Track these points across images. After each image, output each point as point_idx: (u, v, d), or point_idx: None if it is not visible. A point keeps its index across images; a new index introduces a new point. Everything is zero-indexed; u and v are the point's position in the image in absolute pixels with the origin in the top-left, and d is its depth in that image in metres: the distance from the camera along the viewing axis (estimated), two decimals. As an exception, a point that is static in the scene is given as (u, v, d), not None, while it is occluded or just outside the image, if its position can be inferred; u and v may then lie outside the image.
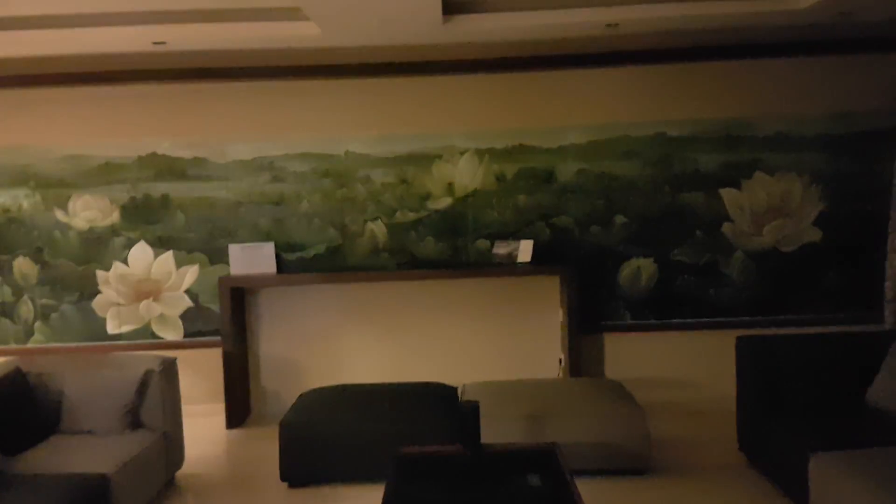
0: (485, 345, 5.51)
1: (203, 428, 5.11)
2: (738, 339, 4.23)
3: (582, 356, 5.33)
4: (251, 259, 5.32)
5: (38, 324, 5.43)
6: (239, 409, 5.29)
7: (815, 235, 5.42)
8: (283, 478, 4.14)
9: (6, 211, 5.38)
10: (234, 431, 5.16)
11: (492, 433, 3.91)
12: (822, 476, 3.21)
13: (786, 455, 3.58)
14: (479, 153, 5.39)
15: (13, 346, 5.41)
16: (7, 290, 5.42)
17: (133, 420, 3.99)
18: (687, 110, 5.38)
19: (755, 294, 5.45)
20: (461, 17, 4.47)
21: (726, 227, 5.43)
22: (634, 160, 5.40)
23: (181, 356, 4.57)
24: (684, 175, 5.41)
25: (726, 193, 5.42)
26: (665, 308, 5.47)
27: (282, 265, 5.42)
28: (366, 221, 5.44)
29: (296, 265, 5.44)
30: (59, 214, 5.40)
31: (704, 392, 5.35)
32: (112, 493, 3.39)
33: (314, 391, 4.64)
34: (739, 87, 5.38)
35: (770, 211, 5.42)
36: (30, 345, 5.43)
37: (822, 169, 5.39)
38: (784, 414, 3.80)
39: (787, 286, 5.45)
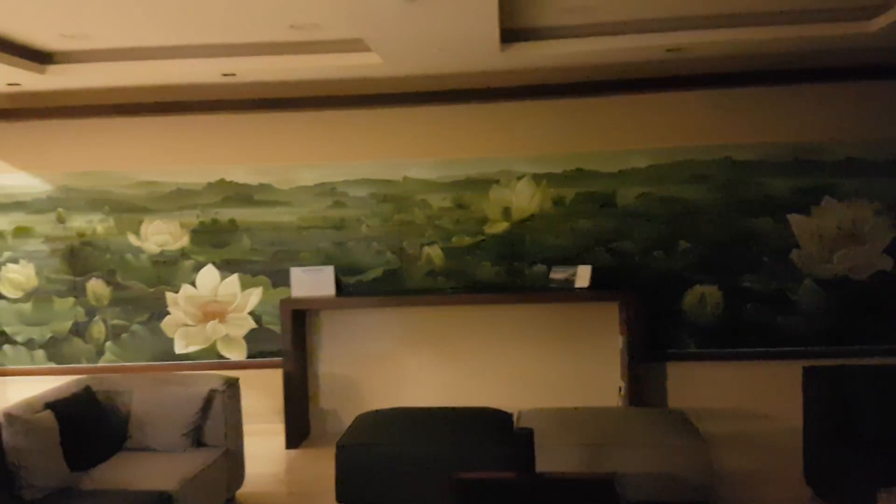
0: (541, 371, 5.46)
1: (263, 447, 5.20)
2: (806, 368, 4.09)
3: (643, 385, 5.23)
4: (312, 282, 5.43)
5: (108, 343, 5.66)
6: (298, 429, 5.37)
7: (887, 264, 5.21)
8: (339, 499, 4.17)
9: (82, 235, 5.65)
10: (294, 451, 5.24)
11: (548, 461, 3.85)
12: (896, 516, 3.06)
13: (853, 489, 3.42)
14: (537, 178, 5.40)
15: (85, 364, 5.64)
16: (80, 311, 5.67)
17: (196, 438, 4.10)
18: (754, 134, 5.28)
19: (824, 323, 5.26)
20: (519, 44, 4.51)
21: (794, 255, 5.27)
22: (699, 185, 5.31)
23: (244, 376, 4.69)
24: (751, 200, 5.28)
25: (794, 219, 5.27)
26: (731, 336, 5.33)
27: (341, 288, 5.51)
28: (423, 245, 5.49)
29: (355, 288, 5.52)
30: (132, 238, 5.63)
31: (771, 424, 5.17)
32: (174, 509, 3.48)
33: (371, 413, 4.67)
34: (808, 110, 5.25)
35: (840, 238, 5.24)
36: (101, 363, 5.65)
37: (894, 195, 5.19)
38: (852, 447, 3.64)
39: (857, 315, 5.24)
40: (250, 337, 5.60)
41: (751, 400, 5.29)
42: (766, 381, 5.27)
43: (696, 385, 5.35)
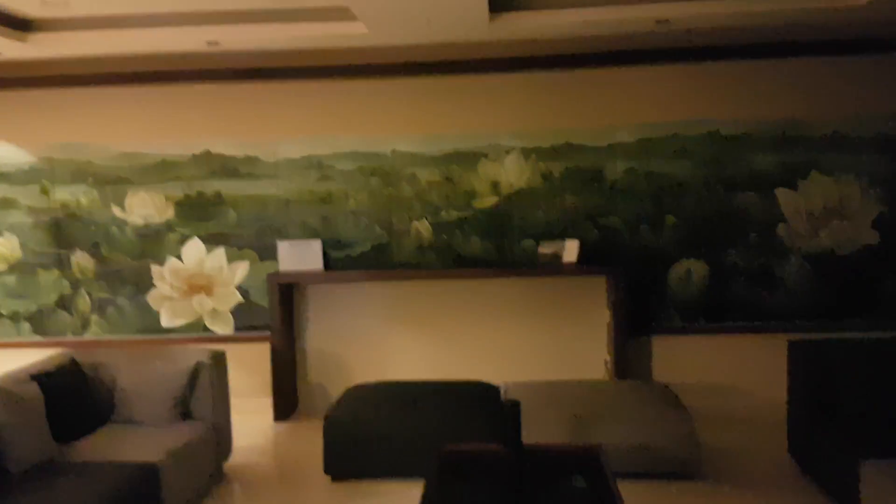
0: (529, 345, 5.48)
1: (251, 421, 5.21)
2: (790, 343, 4.12)
3: (629, 359, 5.26)
4: (299, 256, 5.40)
5: (94, 316, 5.61)
6: (286, 403, 5.38)
7: (873, 238, 5.24)
8: (327, 471, 4.19)
9: (65, 207, 5.58)
10: (282, 424, 5.25)
11: (534, 433, 3.88)
12: (874, 484, 3.10)
13: (837, 462, 3.47)
14: (526, 152, 5.37)
15: (70, 337, 5.60)
16: (65, 284, 5.62)
17: (183, 411, 4.10)
18: (741, 109, 5.26)
19: (810, 298, 5.30)
20: (507, 14, 4.46)
21: (781, 229, 5.29)
22: (686, 160, 5.30)
23: (231, 350, 4.68)
24: (738, 175, 5.28)
25: (781, 194, 5.27)
26: (716, 311, 5.36)
27: (329, 262, 5.49)
28: (411, 220, 5.47)
29: (342, 263, 5.50)
30: (116, 211, 5.57)
31: (755, 398, 5.21)
32: (161, 481, 3.48)
33: (358, 387, 4.69)
34: (795, 85, 5.23)
35: (827, 213, 5.26)
36: (86, 337, 5.62)
37: (881, 170, 5.21)
38: (836, 420, 3.68)
39: (843, 291, 5.28)
40: (237, 311, 5.57)
41: (736, 375, 5.33)
42: (751, 356, 5.31)
43: (682, 359, 5.38)
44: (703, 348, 5.37)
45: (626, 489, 3.05)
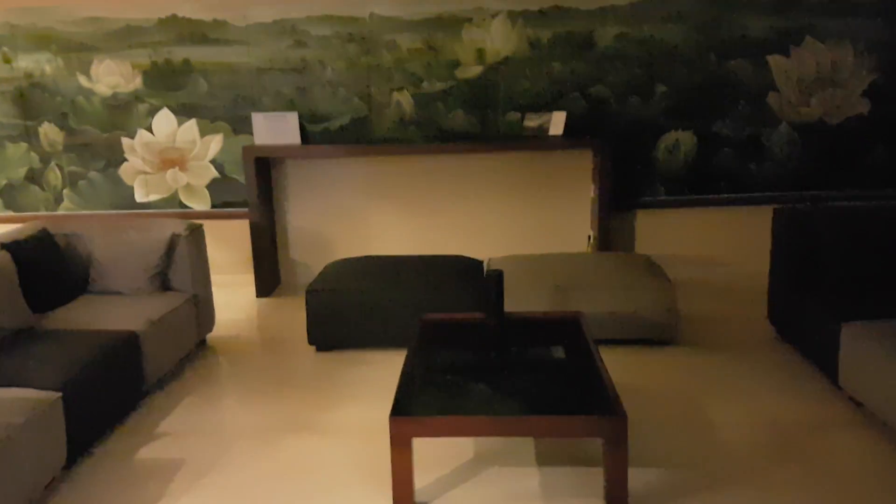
0: (513, 220, 5.42)
1: (233, 296, 5.19)
2: (775, 210, 4.07)
3: (613, 233, 5.22)
4: (275, 129, 5.21)
5: (66, 191, 5.46)
6: (268, 279, 5.34)
7: (864, 107, 5.12)
8: (311, 341, 4.20)
9: (30, 76, 5.30)
10: (264, 300, 5.23)
11: (516, 304, 3.89)
12: (854, 345, 3.14)
13: (817, 325, 3.50)
14: (513, 16, 5.10)
15: (43, 212, 5.47)
16: (35, 157, 5.42)
17: (162, 282, 4.04)
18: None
19: (797, 168, 5.23)
20: None
21: (772, 98, 5.14)
22: (679, 24, 5.06)
23: (210, 226, 4.59)
24: (731, 41, 5.07)
25: (774, 60, 5.09)
26: (702, 183, 5.29)
27: (306, 136, 5.31)
28: (392, 91, 5.25)
29: (321, 136, 5.32)
30: (83, 80, 5.30)
31: (737, 269, 5.23)
32: (142, 348, 3.46)
33: (341, 261, 4.64)
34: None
35: (819, 80, 5.10)
36: (60, 212, 5.48)
37: (877, 35, 5.02)
38: (818, 286, 3.69)
39: (831, 160, 5.21)
40: (213, 187, 5.43)
41: (719, 246, 5.34)
42: (736, 228, 5.29)
43: (666, 233, 5.36)
44: (688, 221, 5.34)
45: (605, 354, 3.07)
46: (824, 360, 3.42)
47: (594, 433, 2.49)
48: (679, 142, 5.23)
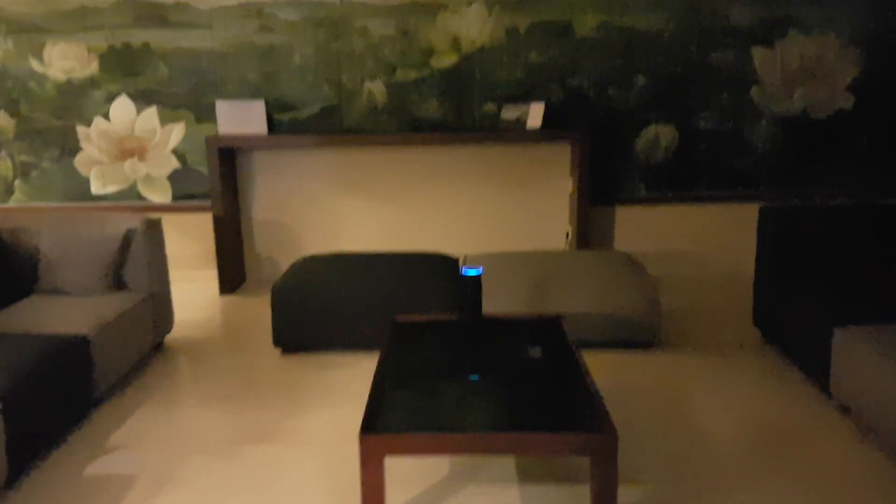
0: (489, 215, 5.24)
1: (195, 293, 4.95)
2: (761, 208, 3.93)
3: (591, 229, 5.07)
4: (240, 118, 4.96)
5: (17, 182, 5.16)
6: (232, 275, 5.10)
7: (848, 102, 5.02)
8: (277, 343, 3.98)
9: (-24, 59, 5.00)
10: (228, 297, 4.99)
11: (492, 303, 3.72)
12: (847, 351, 3.00)
13: (806, 329, 3.37)
14: (489, 3, 4.90)
15: (-7, 204, 5.18)
16: (-17, 146, 5.13)
17: (116, 281, 3.79)
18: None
19: (780, 163, 5.12)
20: None
21: (755, 91, 5.02)
22: (660, 12, 4.91)
23: (171, 220, 4.35)
24: (713, 31, 4.93)
25: (758, 53, 4.96)
26: (683, 179, 5.15)
27: (273, 126, 5.06)
28: (363, 80, 5.03)
29: (289, 126, 5.08)
30: (35, 64, 5.00)
31: (720, 267, 5.12)
32: (92, 353, 3.22)
33: (309, 258, 4.42)
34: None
35: (802, 73, 4.99)
36: (11, 203, 5.18)
37: (862, 29, 4.91)
38: (806, 287, 3.56)
39: (814, 156, 5.10)
40: (174, 177, 5.17)
41: (700, 244, 5.21)
42: (718, 225, 5.17)
43: (646, 229, 5.22)
44: (668, 217, 5.21)
45: (587, 357, 2.90)
46: (813, 365, 3.30)
47: (582, 451, 2.32)
48: (660, 135, 5.08)
